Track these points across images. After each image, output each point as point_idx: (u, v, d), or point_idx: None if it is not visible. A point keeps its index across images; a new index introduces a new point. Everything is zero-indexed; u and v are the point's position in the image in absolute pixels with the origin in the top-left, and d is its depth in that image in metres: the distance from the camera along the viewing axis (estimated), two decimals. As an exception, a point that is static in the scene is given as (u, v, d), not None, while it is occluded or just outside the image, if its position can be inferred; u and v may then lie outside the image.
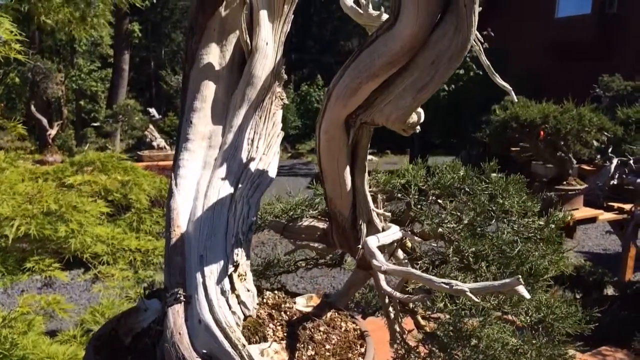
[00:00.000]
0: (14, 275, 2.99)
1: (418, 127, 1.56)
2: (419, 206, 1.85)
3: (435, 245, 1.81)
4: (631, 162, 5.87)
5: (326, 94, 1.55)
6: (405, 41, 1.39)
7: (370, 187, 1.85)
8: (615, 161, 5.91)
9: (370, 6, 1.63)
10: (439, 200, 1.92)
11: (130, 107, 8.51)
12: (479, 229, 1.70)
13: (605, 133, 6.75)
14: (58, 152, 8.41)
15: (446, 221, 1.76)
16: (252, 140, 1.67)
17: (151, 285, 5.30)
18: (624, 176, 5.87)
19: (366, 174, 1.68)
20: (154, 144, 8.84)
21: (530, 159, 9.29)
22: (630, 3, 13.09)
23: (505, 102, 11.89)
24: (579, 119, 6.61)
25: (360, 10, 1.64)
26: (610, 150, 6.29)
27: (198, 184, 1.59)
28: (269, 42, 1.68)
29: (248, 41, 1.64)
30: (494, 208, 1.78)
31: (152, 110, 8.86)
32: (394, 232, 1.59)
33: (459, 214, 1.82)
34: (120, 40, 15.79)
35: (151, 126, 8.80)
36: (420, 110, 1.54)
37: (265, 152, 1.68)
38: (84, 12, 3.39)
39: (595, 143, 6.74)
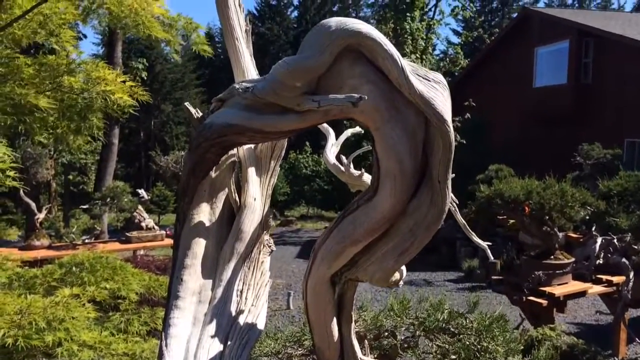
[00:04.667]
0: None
1: (401, 282, 1.62)
2: (405, 345, 1.89)
3: (423, 387, 1.83)
4: (615, 240, 5.96)
5: (312, 253, 1.62)
6: (385, 212, 1.47)
7: (356, 325, 1.89)
8: (599, 240, 6.00)
9: (352, 166, 1.73)
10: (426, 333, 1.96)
11: (120, 189, 8.58)
12: (464, 374, 1.74)
13: (588, 207, 6.90)
14: (45, 235, 8.35)
15: (433, 363, 1.79)
16: (241, 292, 1.72)
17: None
18: (609, 255, 5.94)
19: (352, 324, 1.73)
20: (143, 224, 8.83)
21: (518, 229, 9.40)
22: (604, 74, 13.68)
23: (489, 172, 12.17)
24: (562, 195, 6.74)
25: (342, 168, 1.74)
26: (594, 227, 6.40)
27: (188, 342, 1.62)
28: (257, 197, 1.76)
29: (237, 199, 1.72)
30: (479, 347, 1.82)
31: (141, 192, 8.92)
32: (381, 387, 1.62)
33: (445, 349, 1.86)
34: (111, 116, 16.03)
35: (140, 207, 8.84)
36: (403, 267, 1.61)
37: (254, 303, 1.73)
38: (78, 125, 3.49)
39: (581, 213, 6.86)
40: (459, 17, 25.00)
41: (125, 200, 8.49)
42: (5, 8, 3.27)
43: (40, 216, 8.31)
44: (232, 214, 1.79)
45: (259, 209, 1.76)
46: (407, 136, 1.41)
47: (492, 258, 1.63)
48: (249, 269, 1.75)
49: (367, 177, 1.75)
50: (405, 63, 1.37)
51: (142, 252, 8.85)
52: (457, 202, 1.61)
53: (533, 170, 7.85)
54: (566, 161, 11.67)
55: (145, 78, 18.83)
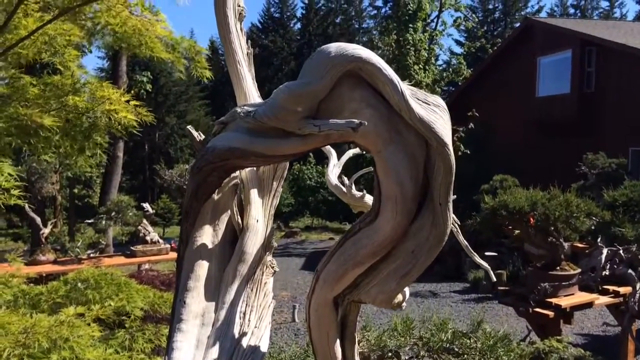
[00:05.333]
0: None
1: (404, 304, 1.62)
2: (410, 365, 1.87)
3: (428, 408, 1.82)
4: (620, 251, 5.93)
5: (314, 275, 1.62)
6: (387, 234, 1.48)
7: (360, 346, 1.88)
8: (605, 251, 5.97)
9: (354, 187, 1.74)
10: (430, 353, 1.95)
11: (124, 203, 8.62)
12: (469, 395, 1.73)
13: (594, 218, 6.86)
14: (50, 250, 8.37)
15: (437, 384, 1.78)
16: (244, 314, 1.72)
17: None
18: (615, 266, 5.91)
19: (356, 345, 1.72)
20: (148, 238, 8.85)
21: (523, 240, 9.35)
22: (608, 83, 13.69)
23: (493, 182, 12.15)
24: (567, 205, 6.71)
25: (344, 189, 1.74)
26: (599, 239, 6.37)
27: (191, 366, 1.62)
28: (260, 218, 1.77)
29: (239, 221, 1.73)
30: (483, 367, 1.80)
31: (146, 205, 8.95)
32: (385, 409, 1.61)
33: (449, 368, 1.85)
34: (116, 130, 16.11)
35: (145, 221, 8.87)
36: (406, 289, 1.61)
37: (257, 324, 1.73)
38: (82, 144, 3.51)
39: (587, 223, 6.82)
40: (462, 27, 25.11)
41: (130, 214, 8.52)
42: (11, 29, 3.31)
43: (46, 231, 8.35)
44: (234, 235, 1.80)
45: (261, 231, 1.77)
46: (408, 159, 1.42)
47: (494, 279, 1.62)
48: (252, 290, 1.75)
49: (368, 198, 1.76)
50: (405, 87, 1.38)
51: (147, 266, 8.85)
52: (459, 223, 1.62)
53: (537, 181, 7.83)
54: (571, 171, 11.64)
55: (150, 91, 18.93)
